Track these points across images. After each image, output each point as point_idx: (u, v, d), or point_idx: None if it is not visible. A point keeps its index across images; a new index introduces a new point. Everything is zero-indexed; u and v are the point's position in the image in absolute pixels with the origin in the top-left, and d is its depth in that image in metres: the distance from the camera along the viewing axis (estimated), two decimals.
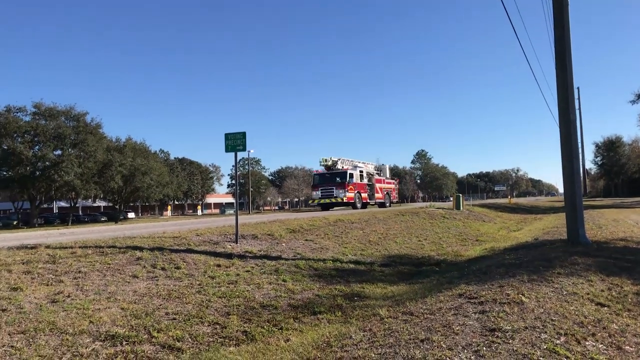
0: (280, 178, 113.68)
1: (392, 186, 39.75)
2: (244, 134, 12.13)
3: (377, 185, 36.10)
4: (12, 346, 4.80)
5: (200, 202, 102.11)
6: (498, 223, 26.35)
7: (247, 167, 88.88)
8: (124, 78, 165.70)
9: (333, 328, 6.09)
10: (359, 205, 31.64)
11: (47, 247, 9.14)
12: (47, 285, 6.88)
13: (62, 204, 67.34)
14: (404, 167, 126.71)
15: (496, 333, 4.68)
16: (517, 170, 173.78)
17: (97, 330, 5.43)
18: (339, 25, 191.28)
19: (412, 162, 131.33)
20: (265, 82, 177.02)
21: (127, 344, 5.20)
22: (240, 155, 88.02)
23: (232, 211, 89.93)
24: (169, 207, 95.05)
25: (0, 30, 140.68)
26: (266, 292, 7.87)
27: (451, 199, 43.36)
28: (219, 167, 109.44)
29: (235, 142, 12.13)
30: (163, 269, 8.45)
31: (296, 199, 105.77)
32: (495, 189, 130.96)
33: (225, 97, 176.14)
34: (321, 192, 31.61)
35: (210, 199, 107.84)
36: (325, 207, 32.33)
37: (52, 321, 5.49)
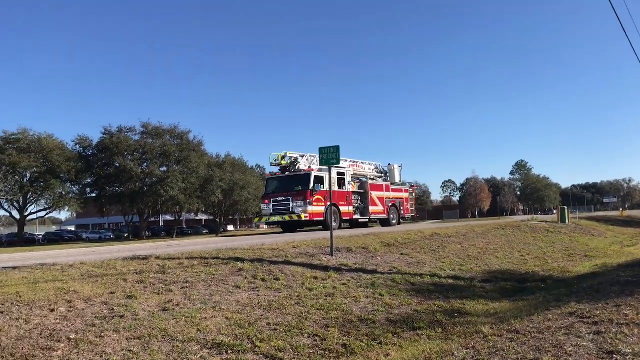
0: None
1: (404, 195, 29.01)
2: (337, 148, 12.27)
3: (374, 195, 25.79)
4: (130, 350, 5.14)
5: None
6: (609, 237, 24.54)
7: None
8: (223, 97, 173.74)
9: (434, 344, 5.95)
10: (334, 224, 20.81)
11: (157, 258, 9.73)
12: (158, 294, 7.32)
13: (167, 217, 71.74)
14: (502, 178, 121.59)
15: (615, 356, 4.34)
16: (630, 181, 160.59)
17: (204, 338, 5.68)
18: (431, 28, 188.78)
19: (511, 173, 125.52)
20: (355, 95, 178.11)
21: (232, 352, 5.39)
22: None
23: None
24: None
25: (114, 57, 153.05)
26: (363, 306, 7.84)
27: (554, 211, 39.67)
28: None
29: (329, 155, 12.31)
30: (263, 280, 8.69)
31: None
32: (605, 200, 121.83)
33: (312, 111, 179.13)
34: (273, 206, 22.17)
35: None
36: (288, 227, 23.34)
37: (163, 328, 5.82)
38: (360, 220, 25.48)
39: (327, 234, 15.03)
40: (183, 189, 50.47)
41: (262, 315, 6.80)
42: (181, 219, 68.61)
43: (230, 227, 77.33)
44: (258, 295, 7.78)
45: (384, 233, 16.92)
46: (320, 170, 22.40)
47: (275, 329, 6.28)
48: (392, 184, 28.41)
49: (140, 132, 52.53)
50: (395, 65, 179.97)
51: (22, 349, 4.86)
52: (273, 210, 22.24)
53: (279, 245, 12.37)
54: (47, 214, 59.44)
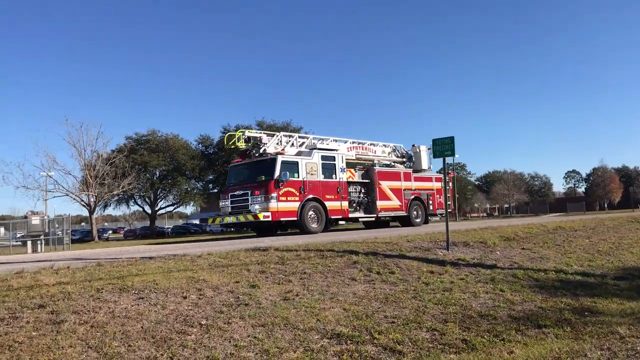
0: (488, 183, 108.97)
1: (434, 186, 22.91)
2: (452, 139, 11.95)
3: (385, 185, 20.39)
4: (255, 337, 5.42)
5: None
6: None
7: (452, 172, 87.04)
8: (328, 92, 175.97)
9: (562, 344, 5.61)
10: (313, 225, 17.11)
11: (276, 249, 10.13)
12: (279, 284, 7.62)
13: None
14: (635, 167, 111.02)
15: None
16: None
17: (323, 328, 5.83)
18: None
19: None
20: (472, 84, 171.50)
21: (352, 343, 5.47)
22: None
23: (437, 218, 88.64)
24: None
25: (226, 59, 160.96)
26: (483, 302, 7.58)
27: None
28: None
29: (443, 147, 12.04)
30: (378, 273, 8.73)
31: (506, 205, 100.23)
32: None
33: (427, 103, 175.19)
34: (231, 202, 17.58)
35: None
36: (261, 229, 18.64)
37: (285, 317, 6.05)
38: (361, 219, 20.58)
39: (440, 227, 14.69)
40: None
41: (378, 308, 6.83)
42: None
43: (342, 222, 78.24)
44: (374, 288, 7.82)
45: (503, 227, 16.20)
46: (300, 153, 18.05)
47: (393, 322, 6.27)
48: (415, 171, 22.47)
49: (256, 131, 54.96)
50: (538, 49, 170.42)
51: (161, 332, 5.31)
52: (231, 208, 17.47)
53: (393, 238, 12.32)
54: (174, 209, 64.44)
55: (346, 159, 19.98)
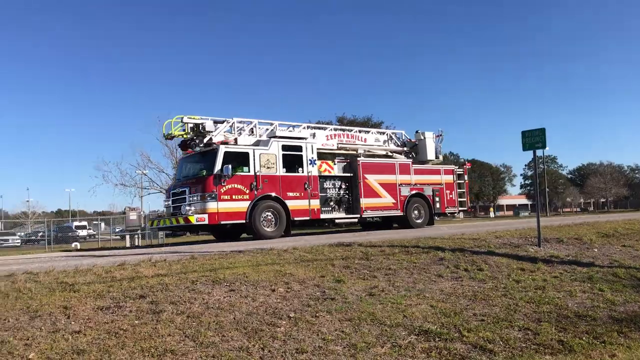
0: (582, 176, 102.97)
1: (442, 180, 19.47)
2: (543, 131, 11.39)
3: (373, 179, 17.43)
4: (342, 331, 5.47)
5: (492, 205, 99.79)
6: None
7: (541, 166, 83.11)
8: (408, 83, 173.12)
9: None
10: (267, 229, 14.50)
11: (360, 245, 10.17)
12: (364, 279, 7.65)
13: None
14: None
15: None
16: None
17: (410, 325, 5.78)
18: None
19: None
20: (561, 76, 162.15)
21: (440, 340, 5.39)
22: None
23: (526, 213, 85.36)
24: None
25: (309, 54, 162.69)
26: (580, 301, 7.18)
27: None
28: (510, 167, 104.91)
29: (533, 139, 11.49)
30: (466, 270, 8.51)
31: (602, 200, 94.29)
32: None
33: (517, 93, 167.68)
34: (172, 202, 15.17)
35: (503, 201, 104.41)
36: (220, 233, 16.30)
37: (371, 312, 6.06)
38: (338, 221, 17.13)
39: (530, 223, 14.06)
40: None
41: (467, 305, 6.67)
42: None
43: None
44: (462, 285, 7.64)
45: (601, 222, 15.25)
46: (257, 143, 15.40)
47: (482, 320, 6.10)
48: (419, 162, 19.31)
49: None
50: None
51: (252, 323, 5.49)
52: (172, 209, 15.09)
53: (480, 235, 12.00)
54: None
55: (325, 150, 17.68)
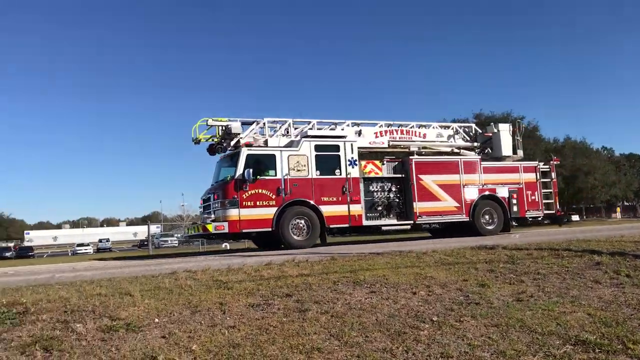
0: None
1: (521, 179, 17.27)
2: None
3: (430, 180, 15.77)
4: (489, 337, 5.25)
5: (617, 204, 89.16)
6: None
7: None
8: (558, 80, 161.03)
9: None
10: (296, 237, 13.73)
11: (504, 248, 9.71)
12: (510, 284, 7.27)
13: None
14: None
15: None
16: None
17: (565, 334, 5.37)
18: None
19: None
20: None
21: (600, 352, 4.93)
22: None
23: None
24: (618, 209, 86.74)
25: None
26: None
27: None
28: None
29: None
30: (628, 275, 7.70)
31: None
32: None
33: None
34: (203, 208, 15.06)
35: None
36: (264, 242, 15.83)
37: (520, 319, 5.74)
38: (385, 228, 15.92)
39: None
40: None
41: (631, 315, 6.03)
42: None
43: (575, 217, 71.37)
44: (623, 293, 6.93)
45: None
46: (290, 145, 14.47)
47: None
48: (493, 159, 17.44)
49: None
50: None
51: (395, 325, 5.49)
52: (204, 212, 14.89)
53: None
54: None
55: (373, 148, 16.42)
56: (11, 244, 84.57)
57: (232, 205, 13.26)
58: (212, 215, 13.76)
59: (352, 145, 14.85)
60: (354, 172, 14.68)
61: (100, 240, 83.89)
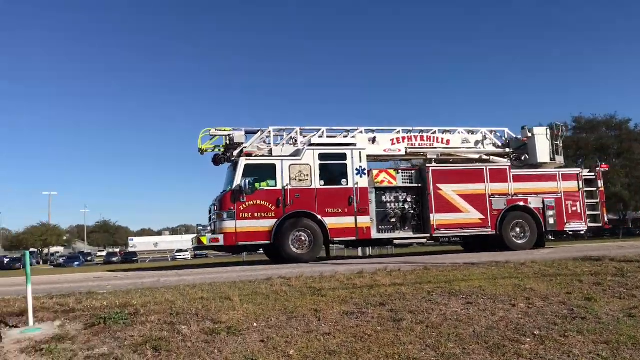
0: None
1: (560, 187, 15.37)
2: None
3: (450, 190, 14.54)
4: (597, 354, 4.95)
5: None
6: None
7: None
8: None
9: None
10: (296, 250, 13.03)
11: (612, 260, 9.10)
12: (620, 298, 6.79)
13: (610, 216, 65.99)
14: None
15: None
16: None
17: None
18: None
19: None
20: None
21: None
22: None
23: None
24: None
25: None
26: None
27: None
28: None
29: None
30: None
31: None
32: None
33: None
34: (209, 219, 14.45)
35: None
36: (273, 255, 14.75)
37: (632, 336, 5.36)
38: (398, 242, 14.77)
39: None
40: (626, 184, 45.62)
41: None
42: (626, 217, 61.94)
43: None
44: None
45: None
46: (293, 155, 13.79)
47: None
48: (529, 166, 15.81)
49: (572, 127, 50.56)
50: None
51: (493, 338, 5.31)
52: (210, 223, 14.32)
53: None
54: None
55: (389, 156, 15.41)
56: (117, 250, 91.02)
57: (229, 217, 12.86)
58: (210, 227, 13.60)
59: (360, 153, 13.99)
60: (362, 182, 13.82)
61: None
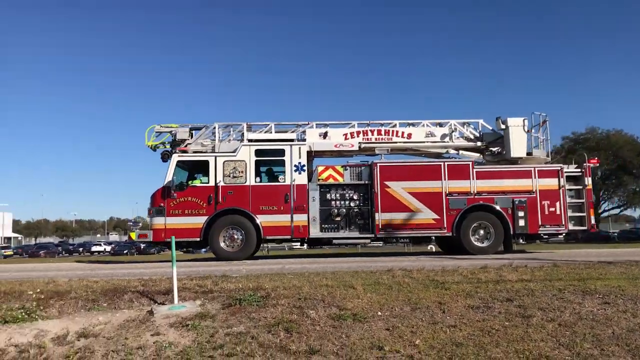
0: None
1: (535, 185, 13.14)
2: None
3: (400, 187, 13.04)
4: None
5: None
6: None
7: None
8: None
9: None
10: (226, 248, 12.66)
11: None
12: None
13: None
14: None
15: None
16: None
17: None
18: None
19: None
20: None
21: None
22: None
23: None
24: None
25: None
26: None
27: None
28: None
29: None
30: None
31: None
32: None
33: None
34: None
35: None
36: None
37: None
38: (336, 241, 13.50)
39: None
40: None
41: None
42: None
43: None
44: None
45: None
46: (229, 151, 13.28)
47: None
48: (506, 162, 13.90)
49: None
50: None
51: (636, 341, 4.97)
52: None
53: None
54: (620, 212, 58.95)
55: (339, 151, 14.28)
56: None
57: (158, 214, 12.89)
58: (143, 223, 13.66)
59: (300, 149, 13.44)
60: (301, 179, 13.25)
61: None
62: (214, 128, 14.04)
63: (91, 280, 7.97)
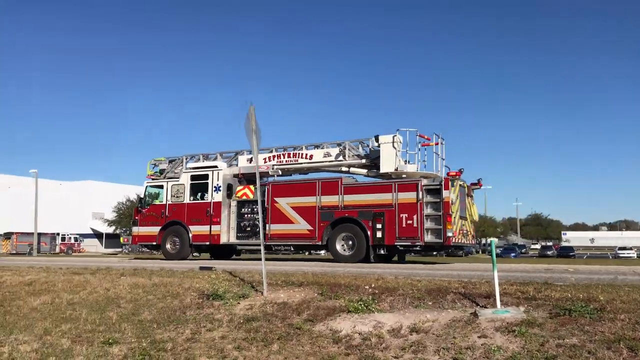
0: None
1: (395, 199, 13.70)
2: None
3: (285, 203, 15.21)
4: None
5: None
6: None
7: None
8: None
9: None
10: (171, 251, 16.72)
11: None
12: None
13: None
14: None
15: None
16: None
17: None
18: None
19: None
20: None
21: None
22: None
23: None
24: None
25: None
26: None
27: None
28: None
29: None
30: None
31: None
32: None
33: None
34: None
35: None
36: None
37: None
38: (239, 247, 17.40)
39: None
40: None
41: None
42: None
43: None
44: None
45: None
46: (176, 178, 17.38)
47: None
48: (381, 177, 14.89)
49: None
50: None
51: None
52: None
53: None
54: None
55: (261, 172, 14.45)
56: (551, 243, 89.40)
57: (134, 224, 17.92)
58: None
59: (218, 173, 16.49)
60: (217, 197, 16.29)
61: None
62: (182, 159, 17.96)
63: (414, 279, 8.55)
